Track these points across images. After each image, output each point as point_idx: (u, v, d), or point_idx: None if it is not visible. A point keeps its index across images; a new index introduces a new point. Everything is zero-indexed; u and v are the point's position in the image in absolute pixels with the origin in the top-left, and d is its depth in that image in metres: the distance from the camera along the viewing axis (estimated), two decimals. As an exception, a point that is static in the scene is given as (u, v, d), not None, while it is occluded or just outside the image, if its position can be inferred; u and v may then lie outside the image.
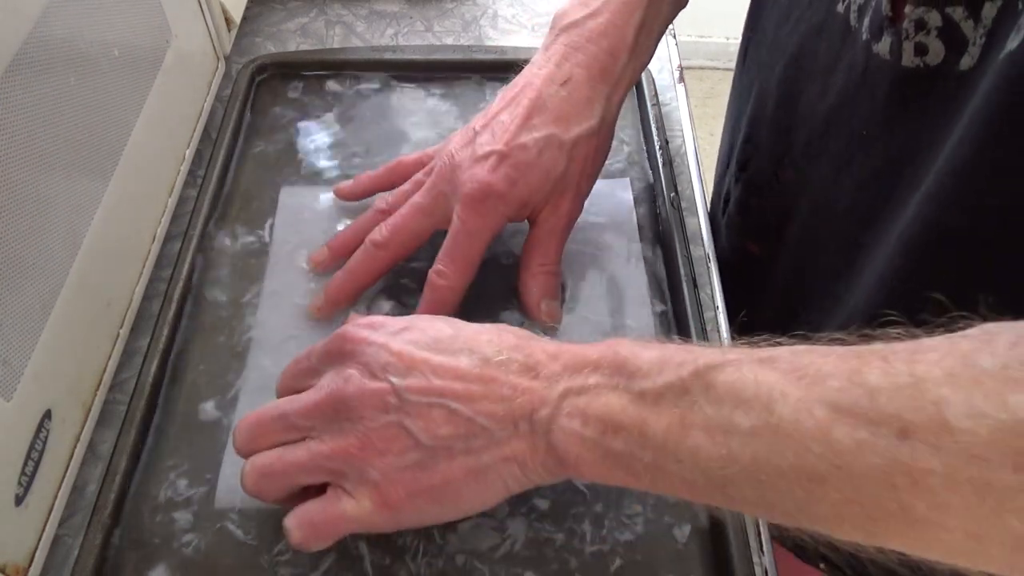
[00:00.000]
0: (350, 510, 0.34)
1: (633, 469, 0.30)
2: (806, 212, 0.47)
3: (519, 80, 0.46)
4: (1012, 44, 0.31)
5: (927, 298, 0.38)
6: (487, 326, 0.36)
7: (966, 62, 0.35)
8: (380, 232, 0.45)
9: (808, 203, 0.47)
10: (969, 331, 0.26)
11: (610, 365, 0.32)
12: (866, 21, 0.38)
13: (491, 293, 0.47)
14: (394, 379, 0.34)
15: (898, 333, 0.28)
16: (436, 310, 0.43)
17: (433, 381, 0.34)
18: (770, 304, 0.52)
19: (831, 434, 0.26)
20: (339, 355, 0.36)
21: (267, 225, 0.51)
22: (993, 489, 0.23)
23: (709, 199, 0.59)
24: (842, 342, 0.28)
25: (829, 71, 0.42)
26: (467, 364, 0.34)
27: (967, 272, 0.37)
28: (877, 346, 0.27)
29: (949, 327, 0.27)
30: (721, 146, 0.61)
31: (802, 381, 0.27)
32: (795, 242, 0.49)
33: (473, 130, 0.45)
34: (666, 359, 0.30)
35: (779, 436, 0.27)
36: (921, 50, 0.36)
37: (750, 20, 0.53)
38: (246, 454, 0.36)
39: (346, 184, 0.51)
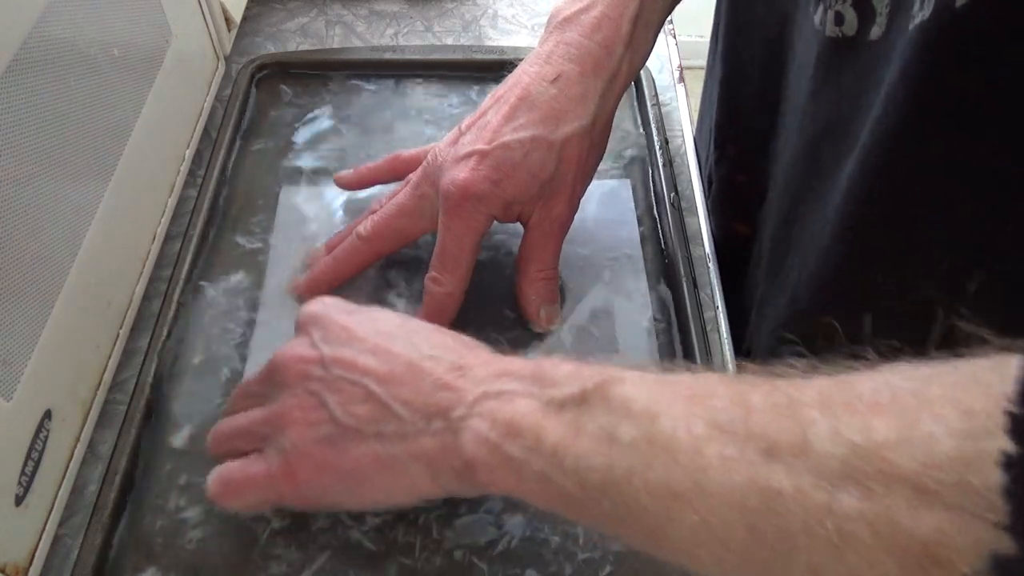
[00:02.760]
0: (259, 474, 0.34)
1: (523, 476, 0.30)
2: (777, 185, 0.47)
3: (510, 79, 0.45)
4: (922, 15, 0.31)
5: (864, 274, 0.38)
6: (439, 328, 0.37)
7: (875, 32, 0.35)
8: (365, 226, 0.46)
9: (779, 177, 0.47)
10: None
11: (531, 374, 0.32)
12: None
13: (492, 294, 0.47)
14: (325, 349, 0.35)
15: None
16: (436, 316, 0.43)
17: (360, 358, 0.34)
18: (755, 283, 0.52)
19: (702, 449, 0.25)
20: (297, 325, 0.38)
21: (267, 225, 0.51)
22: (834, 515, 0.22)
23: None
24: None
25: (795, 44, 0.42)
26: (399, 350, 0.34)
27: (898, 250, 0.37)
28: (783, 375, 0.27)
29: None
30: (699, 132, 0.61)
31: (692, 400, 0.27)
32: (774, 215, 0.49)
33: (459, 130, 0.45)
34: (579, 372, 0.30)
35: (654, 449, 0.26)
36: (839, 19, 0.36)
37: (725, 4, 0.52)
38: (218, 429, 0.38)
39: (347, 173, 0.51)
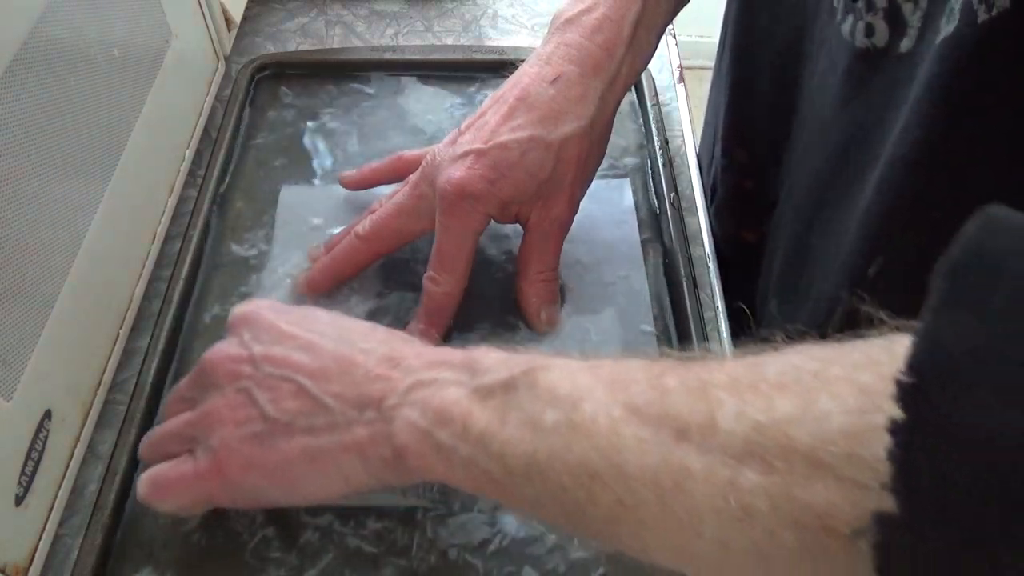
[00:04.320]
0: (188, 473, 0.34)
1: (451, 463, 0.30)
2: (794, 194, 0.47)
3: (510, 79, 0.45)
4: (947, 29, 0.32)
5: (886, 284, 0.38)
6: (373, 324, 0.37)
7: (905, 45, 0.35)
8: (363, 226, 0.46)
9: (796, 186, 0.47)
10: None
11: (462, 363, 0.32)
12: (843, 1, 0.39)
13: (492, 295, 0.47)
14: (256, 347, 0.35)
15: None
16: (435, 316, 0.44)
17: (291, 355, 0.34)
18: (771, 289, 0.52)
19: (618, 431, 0.26)
20: (228, 327, 0.38)
21: (267, 224, 0.51)
22: (737, 491, 0.23)
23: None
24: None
25: (818, 53, 0.42)
26: (331, 346, 0.34)
27: (920, 258, 0.37)
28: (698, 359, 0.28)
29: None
30: (703, 138, 0.61)
31: (613, 385, 0.28)
32: (790, 224, 0.49)
33: (459, 130, 0.45)
34: (508, 360, 0.31)
35: (575, 432, 0.27)
36: (870, 31, 0.36)
37: (735, 10, 0.52)
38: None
39: (351, 173, 0.52)
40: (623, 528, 0.26)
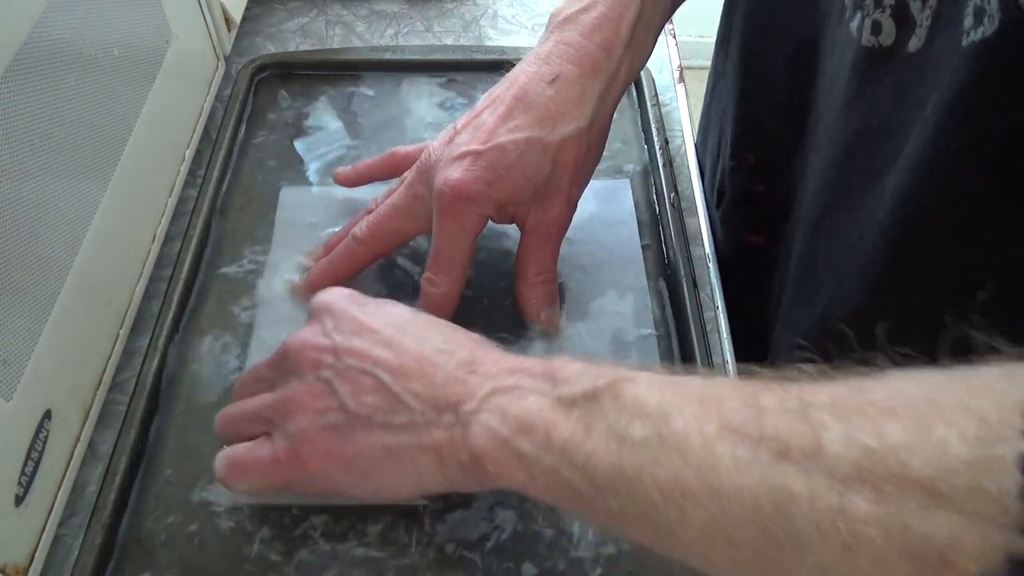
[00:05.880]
0: (265, 457, 0.35)
1: (532, 473, 0.30)
2: (805, 197, 0.46)
3: (507, 78, 0.44)
4: (979, 31, 0.31)
5: (903, 290, 0.38)
6: (452, 325, 0.37)
7: (913, 44, 0.34)
8: (360, 228, 0.46)
9: (806, 188, 0.46)
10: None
11: (542, 372, 0.32)
12: None
13: (492, 294, 0.47)
14: (338, 338, 0.35)
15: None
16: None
17: (372, 349, 0.34)
18: (781, 292, 0.51)
19: (713, 449, 0.25)
20: (310, 313, 0.38)
21: (267, 224, 0.51)
22: (846, 517, 0.22)
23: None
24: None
25: (830, 53, 0.42)
26: (411, 344, 0.34)
27: (941, 261, 0.36)
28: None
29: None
30: (708, 140, 0.61)
31: (704, 401, 0.27)
32: (800, 227, 0.48)
33: (454, 128, 0.44)
34: (590, 370, 0.31)
35: (665, 448, 0.26)
36: (877, 29, 0.36)
37: (744, 10, 0.51)
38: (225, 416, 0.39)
39: (345, 170, 0.51)
40: (715, 549, 0.26)
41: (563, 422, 0.29)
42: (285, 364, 0.36)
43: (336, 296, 0.38)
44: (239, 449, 0.36)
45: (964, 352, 0.24)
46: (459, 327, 0.37)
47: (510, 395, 0.31)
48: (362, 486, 0.35)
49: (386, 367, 0.34)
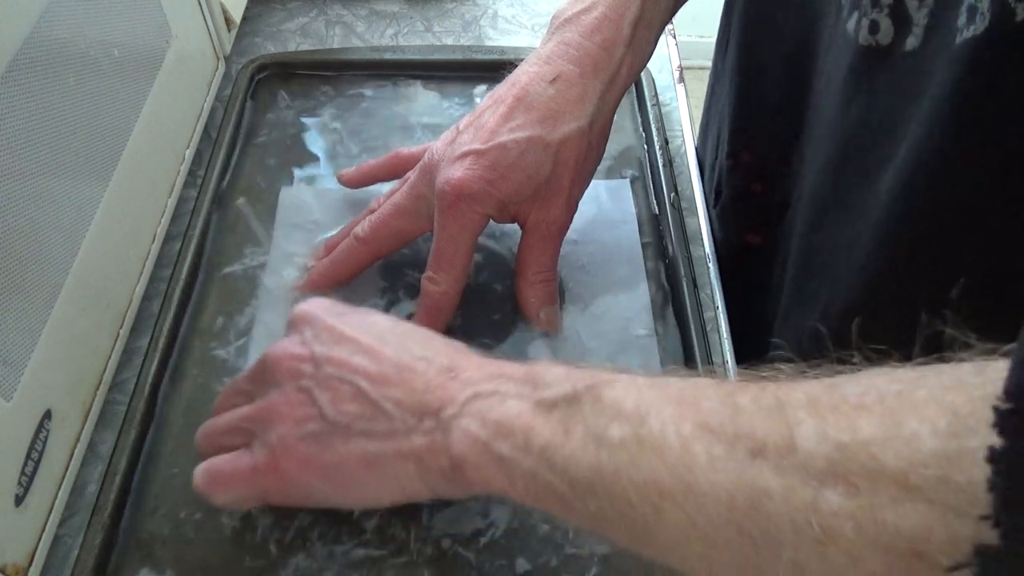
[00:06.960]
0: (245, 468, 0.35)
1: (512, 476, 0.30)
2: (802, 196, 0.46)
3: (509, 78, 0.45)
4: (971, 30, 0.31)
5: (901, 288, 0.38)
6: (430, 332, 0.37)
7: (910, 43, 0.34)
8: (362, 227, 0.46)
9: (803, 187, 0.46)
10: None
11: (523, 376, 0.32)
12: None
13: (492, 294, 0.47)
14: (317, 348, 0.35)
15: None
16: (433, 316, 0.43)
17: (352, 358, 0.34)
18: (780, 292, 0.51)
19: (690, 448, 0.26)
20: (289, 324, 0.38)
21: (267, 224, 0.51)
22: (819, 512, 0.22)
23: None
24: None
25: (826, 51, 0.42)
26: (390, 352, 0.34)
27: (938, 265, 0.36)
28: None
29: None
30: (708, 141, 0.61)
31: (682, 402, 0.27)
32: (798, 226, 0.48)
33: (456, 129, 0.44)
34: (570, 374, 0.31)
35: (643, 448, 0.26)
36: (874, 28, 0.36)
37: (742, 7, 0.52)
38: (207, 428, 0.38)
39: (349, 171, 0.52)
40: (691, 549, 0.26)
41: (542, 425, 0.29)
42: (264, 375, 0.36)
43: (315, 306, 0.38)
44: (218, 460, 0.36)
45: (937, 348, 0.24)
46: (439, 335, 0.36)
47: (490, 400, 0.31)
48: (342, 495, 0.34)
49: (365, 375, 0.34)
